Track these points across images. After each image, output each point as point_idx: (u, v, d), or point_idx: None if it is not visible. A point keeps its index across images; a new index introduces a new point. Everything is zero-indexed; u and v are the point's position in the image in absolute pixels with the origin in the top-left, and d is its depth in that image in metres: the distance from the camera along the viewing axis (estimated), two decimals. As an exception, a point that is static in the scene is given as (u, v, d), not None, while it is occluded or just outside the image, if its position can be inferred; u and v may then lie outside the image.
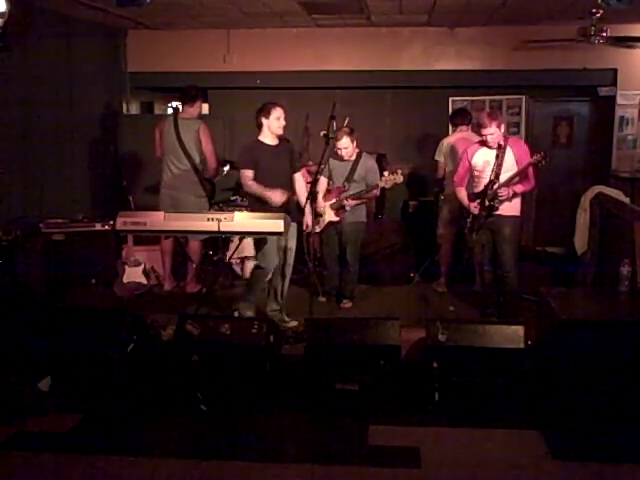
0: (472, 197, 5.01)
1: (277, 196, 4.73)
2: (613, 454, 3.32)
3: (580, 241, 5.68)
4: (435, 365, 3.86)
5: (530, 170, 4.80)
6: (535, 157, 4.65)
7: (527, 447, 3.47)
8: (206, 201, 5.73)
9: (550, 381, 3.82)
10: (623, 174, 6.98)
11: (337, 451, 3.46)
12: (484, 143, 4.91)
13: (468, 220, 5.03)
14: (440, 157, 6.06)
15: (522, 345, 3.86)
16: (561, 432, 3.51)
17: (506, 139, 4.90)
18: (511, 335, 3.89)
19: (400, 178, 5.23)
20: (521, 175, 4.80)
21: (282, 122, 4.77)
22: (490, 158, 4.88)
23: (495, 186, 4.80)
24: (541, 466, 3.29)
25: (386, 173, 5.27)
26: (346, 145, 5.28)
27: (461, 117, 6.14)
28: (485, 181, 4.90)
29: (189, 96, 5.68)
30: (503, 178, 4.82)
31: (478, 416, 3.74)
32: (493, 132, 4.79)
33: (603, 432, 3.44)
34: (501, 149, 4.83)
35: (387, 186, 5.29)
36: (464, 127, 6.07)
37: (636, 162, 7.12)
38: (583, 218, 5.65)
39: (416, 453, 3.37)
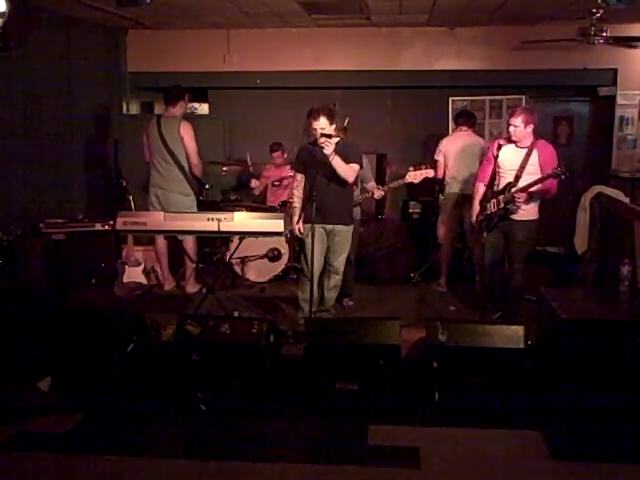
0: (491, 195, 4.87)
1: (296, 228, 4.76)
2: (613, 454, 3.31)
3: (580, 241, 5.68)
4: (435, 365, 3.86)
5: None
6: (554, 170, 4.42)
7: (527, 447, 3.46)
8: (193, 199, 5.72)
9: (550, 381, 3.82)
10: (623, 174, 6.98)
11: (337, 451, 3.46)
12: (510, 139, 4.77)
13: (481, 218, 4.97)
14: (439, 157, 6.06)
15: (522, 345, 3.86)
16: (561, 432, 3.51)
17: (535, 142, 4.73)
18: (511, 335, 3.89)
19: (431, 172, 5.14)
20: (541, 183, 4.61)
21: (318, 132, 4.50)
22: (515, 157, 4.73)
23: (513, 189, 4.68)
24: (541, 466, 3.29)
25: (412, 168, 5.16)
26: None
27: (464, 118, 6.13)
28: (505, 181, 4.78)
29: (172, 96, 5.69)
30: (523, 182, 4.67)
31: (478, 416, 3.74)
32: (517, 125, 4.64)
33: (603, 432, 3.44)
34: (528, 150, 4.69)
35: (416, 181, 5.17)
36: (464, 128, 6.06)
37: (636, 162, 7.12)
38: (583, 218, 5.65)
39: (416, 453, 3.37)
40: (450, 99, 7.53)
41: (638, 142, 7.20)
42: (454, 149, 5.93)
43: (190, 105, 7.82)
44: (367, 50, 7.32)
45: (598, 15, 5.60)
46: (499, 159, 4.79)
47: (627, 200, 5.67)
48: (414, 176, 5.15)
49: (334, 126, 4.60)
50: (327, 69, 7.36)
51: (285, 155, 6.75)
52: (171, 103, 5.69)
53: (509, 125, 4.74)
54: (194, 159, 5.64)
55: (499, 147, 4.77)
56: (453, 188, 5.96)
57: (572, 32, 6.07)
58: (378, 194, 5.32)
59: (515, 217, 4.79)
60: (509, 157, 4.78)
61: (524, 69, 7.14)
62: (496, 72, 7.24)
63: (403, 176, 5.28)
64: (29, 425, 3.70)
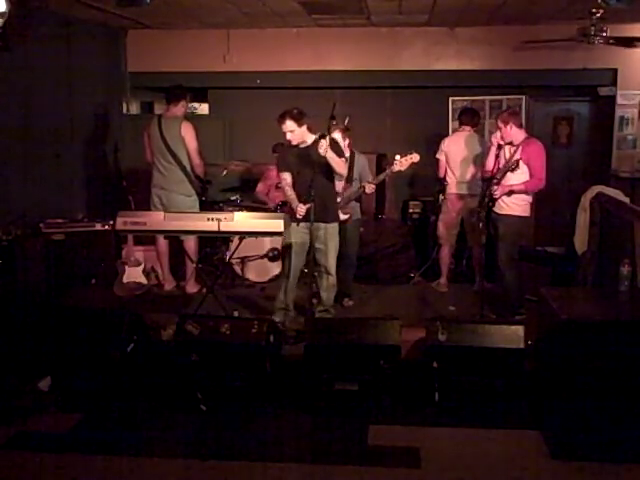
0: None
1: (299, 211, 4.65)
2: (613, 454, 3.32)
3: (580, 241, 5.68)
4: (435, 365, 3.86)
5: (536, 168, 4.87)
6: (508, 164, 4.82)
7: (527, 447, 3.47)
8: (195, 200, 5.71)
9: (550, 381, 3.82)
10: (623, 174, 6.98)
11: (337, 451, 3.46)
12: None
13: (480, 211, 5.05)
14: (441, 156, 6.05)
15: (522, 345, 3.86)
16: (561, 432, 3.51)
17: (523, 140, 4.98)
18: (511, 335, 3.89)
19: (416, 157, 5.14)
20: (511, 176, 4.89)
21: (288, 135, 4.65)
22: (507, 155, 5.00)
23: (493, 183, 4.89)
24: (541, 466, 3.29)
25: (398, 156, 5.19)
26: (337, 141, 5.27)
27: (468, 117, 6.08)
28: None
29: (174, 95, 5.69)
30: (507, 178, 4.91)
31: (478, 416, 3.75)
32: (500, 126, 4.99)
33: (603, 432, 3.44)
34: (516, 148, 4.93)
35: (403, 168, 5.18)
36: (467, 127, 6.04)
37: (636, 162, 7.12)
38: (583, 218, 5.65)
39: (416, 453, 3.38)
40: (450, 99, 7.53)
41: (638, 142, 7.20)
42: (456, 149, 5.93)
43: (190, 105, 7.81)
44: (367, 50, 7.32)
45: (598, 15, 5.60)
46: (499, 158, 5.02)
47: (627, 200, 5.67)
48: (400, 164, 5.15)
49: (304, 127, 4.66)
50: (327, 69, 7.35)
51: None
52: (172, 102, 5.69)
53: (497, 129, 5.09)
54: (196, 159, 5.64)
55: (499, 147, 5.02)
56: (453, 188, 5.96)
57: (572, 32, 6.07)
58: (369, 188, 5.32)
59: (498, 211, 4.99)
60: (504, 155, 5.02)
61: (524, 69, 7.14)
62: (496, 72, 7.24)
63: (390, 166, 5.30)
64: (29, 425, 3.71)
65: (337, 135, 5.25)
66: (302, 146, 4.72)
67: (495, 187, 4.88)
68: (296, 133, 4.62)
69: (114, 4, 5.04)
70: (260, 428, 3.70)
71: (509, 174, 4.89)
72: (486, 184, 5.07)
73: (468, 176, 5.85)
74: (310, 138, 4.70)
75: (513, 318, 4.93)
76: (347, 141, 5.38)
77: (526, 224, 5.10)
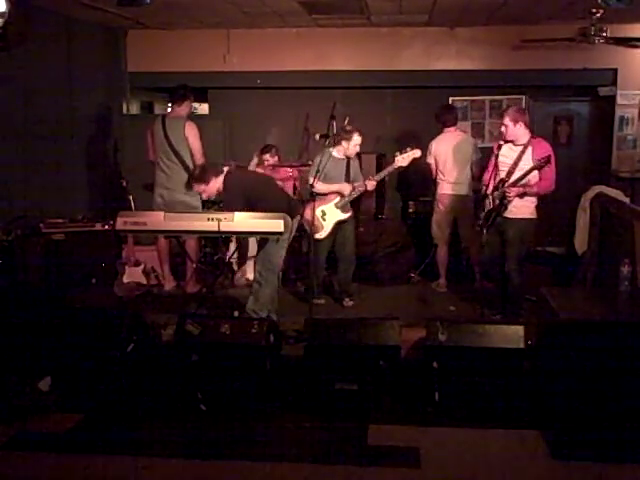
0: (490, 193, 4.94)
1: None
2: (613, 454, 3.31)
3: (580, 241, 5.69)
4: (435, 365, 3.85)
5: (548, 171, 4.72)
6: (537, 162, 4.63)
7: (527, 447, 3.46)
8: (198, 199, 5.70)
9: (550, 381, 3.81)
10: (623, 174, 6.99)
11: (337, 451, 3.45)
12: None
13: (481, 216, 4.99)
14: (430, 159, 6.02)
15: (522, 345, 3.86)
16: (561, 432, 3.50)
17: (530, 139, 4.86)
18: (511, 335, 3.88)
19: (418, 152, 5.19)
20: (528, 176, 4.74)
21: (203, 196, 4.93)
22: (511, 155, 4.85)
23: (505, 185, 4.78)
24: (541, 466, 3.29)
25: (398, 153, 5.23)
26: (359, 142, 5.31)
27: (447, 117, 6.00)
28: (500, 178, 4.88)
29: (178, 95, 5.70)
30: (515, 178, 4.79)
31: (478, 416, 3.74)
32: (507, 124, 4.82)
33: (603, 432, 3.44)
34: (523, 148, 4.81)
35: (405, 164, 5.25)
36: (451, 128, 5.99)
37: (636, 162, 7.12)
38: (583, 218, 5.66)
39: (416, 453, 3.37)
40: (450, 99, 7.53)
41: (638, 142, 7.20)
42: (444, 150, 5.90)
43: (191, 105, 7.83)
44: (367, 50, 7.32)
45: (598, 15, 5.60)
46: (499, 159, 4.90)
47: (627, 200, 5.68)
48: (402, 160, 5.19)
49: (213, 180, 4.73)
50: (327, 69, 7.36)
51: (276, 158, 6.67)
52: (177, 102, 5.70)
53: (501, 126, 4.91)
54: (199, 159, 5.65)
55: (499, 147, 4.89)
56: (445, 189, 5.93)
57: (572, 32, 6.07)
58: (370, 185, 5.33)
59: (507, 215, 4.86)
60: (506, 155, 4.89)
61: (524, 69, 7.15)
62: (496, 72, 7.24)
63: (391, 163, 5.30)
64: (29, 425, 3.71)
65: (358, 138, 5.26)
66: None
67: (509, 189, 4.73)
68: (208, 191, 4.80)
69: (114, 4, 5.04)
70: (260, 428, 3.69)
71: (535, 172, 4.70)
72: (491, 188, 4.92)
73: (458, 176, 5.84)
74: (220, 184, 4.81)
75: (518, 318, 4.91)
76: None
77: (533, 226, 5.00)
